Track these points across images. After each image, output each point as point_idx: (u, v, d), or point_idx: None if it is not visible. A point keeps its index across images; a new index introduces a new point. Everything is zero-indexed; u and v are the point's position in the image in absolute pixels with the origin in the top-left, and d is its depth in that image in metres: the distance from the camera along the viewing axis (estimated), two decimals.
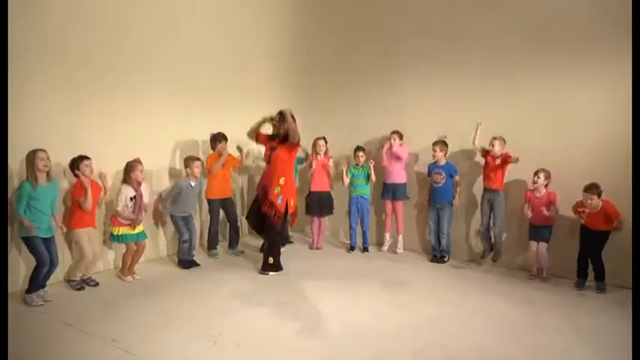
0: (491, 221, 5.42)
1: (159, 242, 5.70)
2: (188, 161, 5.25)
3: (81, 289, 4.50)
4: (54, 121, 4.50)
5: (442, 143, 5.63)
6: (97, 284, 4.61)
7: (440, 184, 5.63)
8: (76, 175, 4.44)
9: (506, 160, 5.17)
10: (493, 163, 5.31)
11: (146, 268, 5.15)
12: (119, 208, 4.68)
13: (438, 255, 5.81)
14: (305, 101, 7.10)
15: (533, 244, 5.13)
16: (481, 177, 5.55)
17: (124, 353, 3.26)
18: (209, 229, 5.79)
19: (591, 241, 4.76)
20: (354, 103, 6.71)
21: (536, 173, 4.99)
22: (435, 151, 5.61)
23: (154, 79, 5.39)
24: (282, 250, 5.49)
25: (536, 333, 3.77)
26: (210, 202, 5.72)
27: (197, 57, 5.88)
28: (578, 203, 4.83)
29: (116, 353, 3.27)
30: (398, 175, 5.97)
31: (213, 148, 5.66)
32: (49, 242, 4.18)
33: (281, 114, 5.00)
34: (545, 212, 4.91)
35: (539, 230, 5.06)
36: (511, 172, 5.38)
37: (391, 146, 5.81)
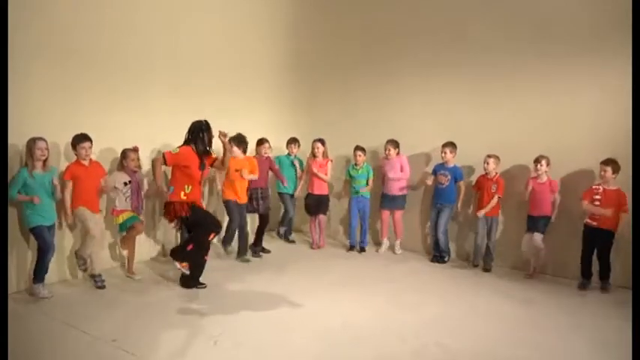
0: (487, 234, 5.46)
1: (158, 242, 5.70)
2: None
3: (85, 269, 4.55)
4: (55, 120, 4.50)
5: (452, 145, 5.60)
6: (103, 285, 4.54)
7: (444, 186, 5.62)
8: (75, 155, 4.46)
9: (499, 190, 5.23)
10: (488, 187, 5.30)
11: (146, 268, 5.15)
12: (112, 194, 4.70)
13: (438, 255, 5.81)
14: (305, 101, 7.12)
15: (529, 236, 5.15)
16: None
17: (124, 353, 3.26)
18: (228, 227, 5.66)
19: (601, 241, 4.70)
20: (354, 102, 6.71)
21: (537, 161, 5.00)
22: (445, 153, 5.60)
23: (155, 77, 5.38)
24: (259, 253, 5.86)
25: (536, 333, 3.77)
26: (226, 202, 5.59)
27: (198, 56, 5.87)
28: (591, 190, 4.76)
29: (116, 353, 3.26)
30: (397, 187, 5.94)
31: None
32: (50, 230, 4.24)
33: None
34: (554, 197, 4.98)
35: (537, 221, 5.07)
36: (509, 170, 5.40)
37: (384, 176, 5.91)
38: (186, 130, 5.29)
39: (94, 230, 4.47)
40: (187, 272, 4.56)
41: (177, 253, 4.58)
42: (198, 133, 4.53)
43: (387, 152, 5.88)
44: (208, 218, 4.73)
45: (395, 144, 5.88)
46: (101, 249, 4.82)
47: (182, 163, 4.49)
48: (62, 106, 4.56)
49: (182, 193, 4.49)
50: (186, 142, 4.56)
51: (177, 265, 4.53)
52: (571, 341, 3.63)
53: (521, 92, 5.38)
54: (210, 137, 4.62)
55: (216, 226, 4.71)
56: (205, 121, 4.60)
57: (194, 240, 4.59)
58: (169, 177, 4.75)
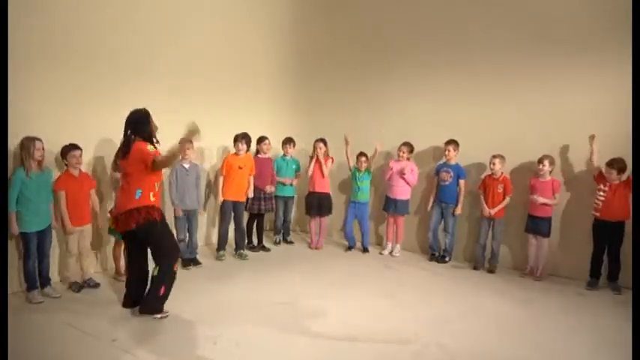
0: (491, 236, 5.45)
1: None
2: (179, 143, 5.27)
3: (79, 290, 4.45)
4: (55, 120, 4.50)
5: (455, 143, 5.61)
6: (97, 285, 4.56)
7: (447, 183, 5.62)
8: (65, 165, 4.41)
9: (507, 190, 5.23)
10: (495, 187, 5.28)
11: None
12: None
13: (436, 254, 5.80)
14: (305, 101, 7.11)
15: (532, 238, 5.14)
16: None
17: (124, 353, 3.26)
18: (219, 230, 5.72)
19: (612, 235, 4.67)
20: (354, 102, 6.70)
21: (540, 160, 5.00)
22: (448, 150, 5.60)
23: (155, 77, 5.38)
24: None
25: (536, 333, 3.77)
26: (223, 202, 5.61)
27: (198, 56, 5.87)
28: (600, 173, 4.77)
29: (116, 353, 3.27)
30: (401, 191, 5.92)
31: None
32: (43, 234, 4.17)
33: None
34: (539, 199, 4.93)
35: (539, 223, 5.05)
36: (509, 169, 5.41)
37: (403, 172, 5.79)
38: (188, 129, 5.20)
39: (78, 248, 4.49)
40: (166, 315, 3.88)
41: (151, 305, 3.84)
42: (144, 126, 3.87)
43: (400, 153, 5.85)
44: (172, 239, 4.01)
45: (410, 148, 5.86)
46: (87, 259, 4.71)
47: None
48: (62, 105, 4.55)
49: (151, 194, 3.83)
50: (140, 138, 3.85)
51: (158, 316, 3.84)
52: (571, 341, 3.64)
53: (522, 91, 5.37)
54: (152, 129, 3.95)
55: (177, 250, 4.05)
56: (145, 110, 3.93)
57: (161, 277, 3.83)
58: (128, 180, 3.81)
